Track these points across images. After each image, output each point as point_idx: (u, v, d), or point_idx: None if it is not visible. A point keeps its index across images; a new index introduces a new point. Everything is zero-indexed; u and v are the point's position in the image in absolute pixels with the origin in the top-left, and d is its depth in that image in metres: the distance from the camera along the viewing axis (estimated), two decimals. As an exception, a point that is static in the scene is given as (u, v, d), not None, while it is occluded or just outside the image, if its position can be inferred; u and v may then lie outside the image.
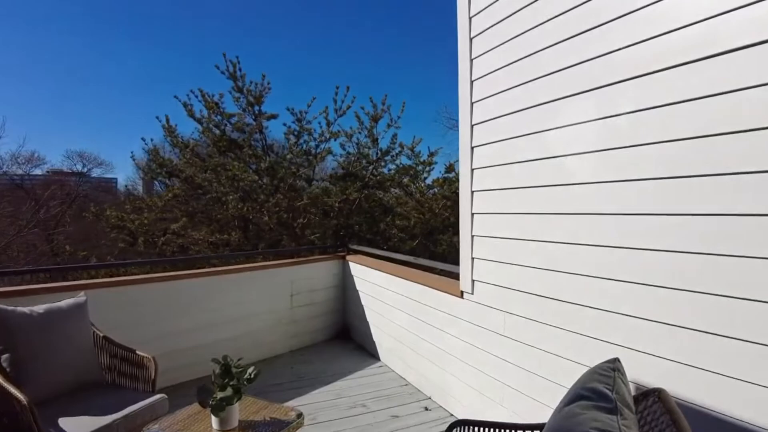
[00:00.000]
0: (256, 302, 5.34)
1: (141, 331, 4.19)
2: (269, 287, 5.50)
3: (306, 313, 5.84)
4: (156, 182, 13.07)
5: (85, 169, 43.03)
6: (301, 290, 5.78)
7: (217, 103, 8.09)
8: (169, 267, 6.62)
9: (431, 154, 11.07)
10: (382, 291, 5.17)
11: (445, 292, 3.88)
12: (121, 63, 53.64)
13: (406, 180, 10.97)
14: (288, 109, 7.62)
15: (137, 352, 3.24)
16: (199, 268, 5.54)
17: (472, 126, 3.46)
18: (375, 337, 5.39)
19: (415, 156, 10.90)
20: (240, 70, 8.29)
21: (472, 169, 3.47)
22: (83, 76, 52.88)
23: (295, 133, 7.61)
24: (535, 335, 2.93)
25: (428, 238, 8.29)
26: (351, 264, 6.01)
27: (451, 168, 10.77)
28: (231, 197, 7.01)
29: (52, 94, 52.75)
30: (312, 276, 5.95)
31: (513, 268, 3.10)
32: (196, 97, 8.26)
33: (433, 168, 11.48)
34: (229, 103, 8.32)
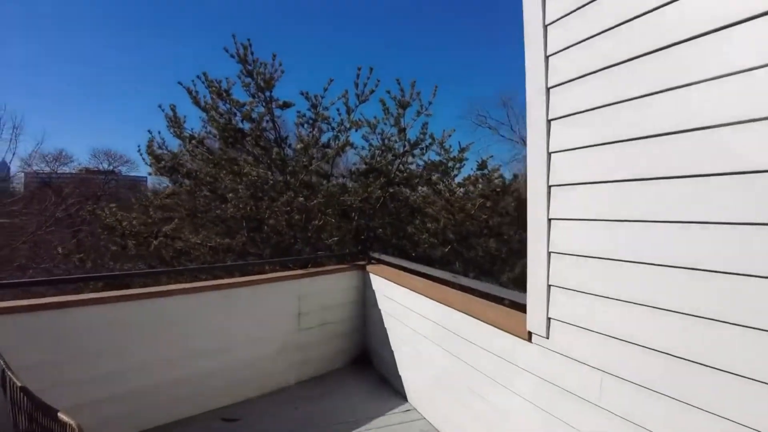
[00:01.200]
0: (256, 324, 4.34)
1: (90, 369, 3.23)
2: (273, 305, 4.49)
3: (318, 335, 4.81)
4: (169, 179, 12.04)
5: (112, 167, 43.53)
6: (311, 308, 4.75)
7: (226, 90, 7.16)
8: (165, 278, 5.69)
9: (462, 150, 9.94)
10: (409, 314, 4.08)
11: (503, 329, 2.74)
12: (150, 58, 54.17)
13: (435, 177, 9.87)
14: (302, 93, 6.62)
15: (60, 415, 2.25)
16: (194, 281, 4.57)
17: (548, 89, 2.33)
18: (401, 371, 4.30)
19: (444, 151, 9.80)
20: (252, 54, 7.35)
21: (549, 153, 2.33)
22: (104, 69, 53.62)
23: (310, 121, 6.59)
24: (661, 418, 1.80)
25: (462, 243, 7.15)
26: (372, 276, 4.95)
27: (484, 165, 9.62)
28: (231, 195, 6.02)
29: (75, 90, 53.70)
30: (325, 290, 4.92)
31: (620, 307, 1.97)
32: (203, 83, 7.36)
33: (464, 164, 10.38)
34: (239, 93, 7.38)
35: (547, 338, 2.36)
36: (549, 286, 2.34)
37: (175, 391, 3.72)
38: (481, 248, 7.93)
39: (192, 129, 7.53)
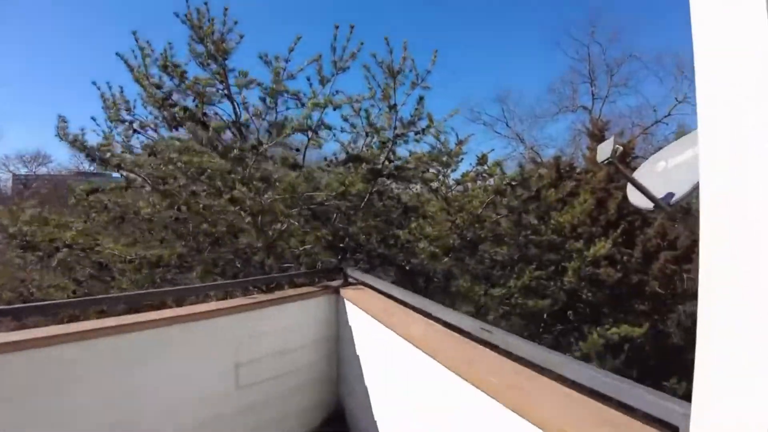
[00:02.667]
0: (172, 384, 2.82)
1: None
2: (199, 353, 2.98)
3: (271, 392, 3.30)
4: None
5: (91, 168, 41.54)
6: (259, 354, 3.24)
7: (164, 58, 5.62)
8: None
9: (460, 142, 8.50)
10: (404, 374, 2.57)
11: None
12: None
13: (431, 172, 8.41)
14: (260, 57, 5.09)
15: None
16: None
17: None
18: (391, 456, 2.79)
19: (441, 144, 8.35)
20: (210, 21, 5.82)
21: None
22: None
23: (269, 93, 5.05)
24: None
25: (467, 251, 5.66)
26: (349, 305, 3.44)
27: (485, 159, 8.15)
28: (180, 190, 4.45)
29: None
30: (281, 326, 3.41)
31: None
32: (143, 50, 5.81)
33: (462, 159, 8.95)
34: (194, 69, 5.83)
35: None
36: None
37: None
38: (489, 257, 6.45)
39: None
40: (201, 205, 4.81)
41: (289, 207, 4.30)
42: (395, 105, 5.16)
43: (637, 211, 13.27)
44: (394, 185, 8.72)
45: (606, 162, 3.72)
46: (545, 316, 10.71)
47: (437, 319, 2.40)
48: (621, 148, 3.82)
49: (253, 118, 5.24)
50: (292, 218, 4.27)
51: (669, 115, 25.15)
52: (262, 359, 3.27)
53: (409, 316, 2.66)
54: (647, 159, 4.89)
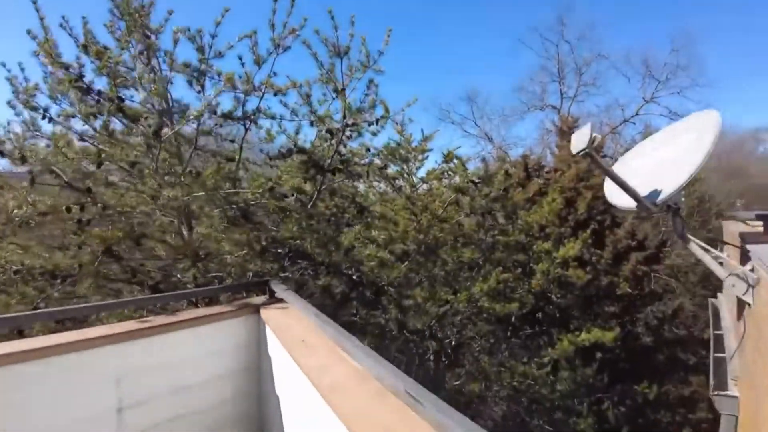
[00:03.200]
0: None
1: None
2: (61, 397, 2.27)
3: (166, 440, 2.61)
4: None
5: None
6: (153, 392, 2.55)
7: (94, 41, 4.82)
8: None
9: (426, 138, 7.93)
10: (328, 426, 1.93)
11: None
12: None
13: (394, 170, 7.81)
14: (179, 32, 4.32)
15: None
16: None
17: None
18: None
19: (405, 138, 7.76)
20: None
21: None
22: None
23: (196, 74, 4.30)
24: None
25: (427, 255, 5.06)
26: (269, 331, 2.78)
27: (451, 156, 7.60)
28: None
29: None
30: (185, 357, 2.73)
31: None
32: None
33: (427, 156, 8.39)
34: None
35: None
36: None
37: None
38: (452, 261, 5.89)
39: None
40: (105, 205, 4.04)
41: (210, 205, 3.60)
42: (343, 90, 4.50)
43: (606, 210, 13.03)
44: (357, 183, 8.09)
45: (582, 153, 3.16)
46: (513, 319, 10.30)
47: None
48: (599, 137, 3.27)
49: (176, 104, 4.49)
50: (211, 218, 3.57)
51: (636, 114, 25.35)
52: (158, 398, 2.58)
53: (330, 355, 2.02)
54: (617, 159, 4.39)
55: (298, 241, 3.65)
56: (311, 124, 4.67)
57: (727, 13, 39.82)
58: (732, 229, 4.59)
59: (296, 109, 4.75)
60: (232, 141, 4.93)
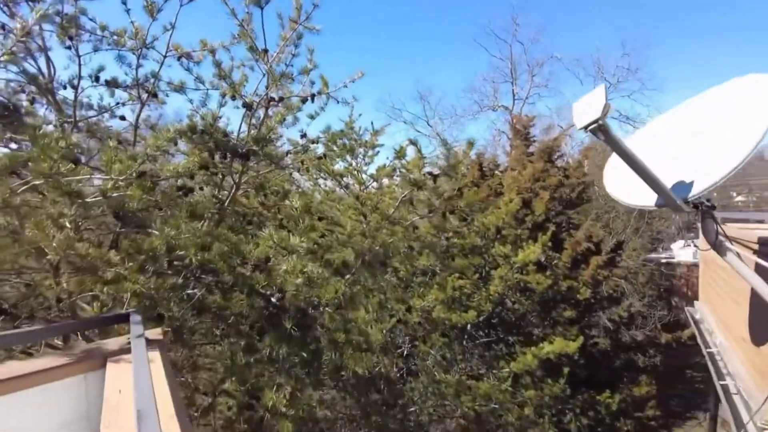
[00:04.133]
0: None
1: None
2: None
3: None
4: None
5: None
6: None
7: None
8: None
9: (375, 133, 7.01)
10: None
11: None
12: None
13: (339, 167, 6.83)
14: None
15: None
16: None
17: None
18: None
19: (348, 125, 6.83)
20: None
21: None
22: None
23: (65, 20, 3.10)
24: None
25: (374, 266, 4.04)
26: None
27: (402, 153, 6.71)
28: None
29: None
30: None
31: None
32: None
33: (378, 153, 7.48)
34: None
35: None
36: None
37: None
38: (405, 271, 4.95)
39: None
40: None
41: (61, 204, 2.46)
42: (265, 50, 3.43)
43: (562, 212, 12.57)
44: (297, 179, 7.03)
45: (591, 127, 2.18)
46: (468, 328, 9.55)
47: None
48: (611, 105, 2.34)
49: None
50: (55, 221, 2.43)
51: (588, 117, 25.47)
52: None
53: None
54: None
55: (201, 252, 2.53)
56: (223, 96, 3.58)
57: (674, 19, 41.69)
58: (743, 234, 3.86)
59: (214, 82, 3.64)
60: (123, 118, 3.75)
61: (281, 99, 3.79)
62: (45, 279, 3.63)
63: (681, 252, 24.69)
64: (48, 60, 4.06)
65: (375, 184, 7.90)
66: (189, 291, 2.97)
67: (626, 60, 24.92)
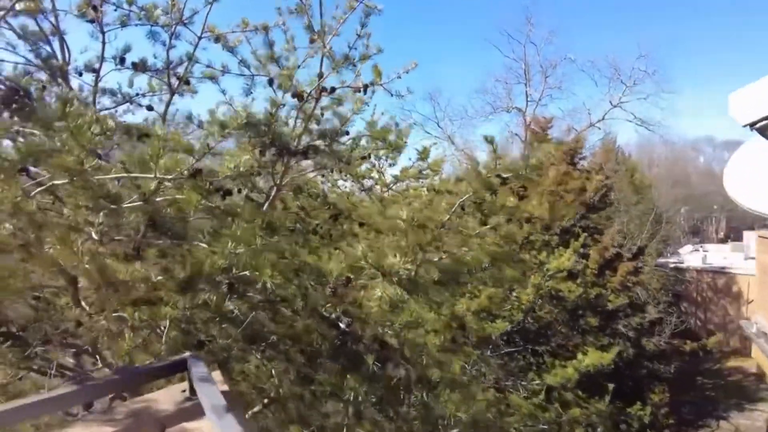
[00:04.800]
0: None
1: None
2: None
3: None
4: None
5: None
6: None
7: None
8: None
9: (400, 133, 6.50)
10: None
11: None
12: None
13: (372, 165, 6.37)
14: None
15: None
16: None
17: None
18: None
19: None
20: None
21: None
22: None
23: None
24: None
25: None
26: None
27: (426, 154, 6.20)
28: None
29: None
30: None
31: None
32: None
33: (400, 154, 6.97)
34: None
35: None
36: None
37: None
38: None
39: None
40: None
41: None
42: (322, 30, 2.90)
43: (586, 216, 12.11)
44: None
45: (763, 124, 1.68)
46: (493, 338, 9.06)
47: None
48: None
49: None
50: (79, 230, 1.91)
51: (603, 119, 25.05)
52: None
53: None
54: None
55: (247, 269, 1.98)
56: (270, 83, 3.06)
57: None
58: None
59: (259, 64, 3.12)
60: (150, 108, 3.22)
61: (333, 89, 3.27)
62: (56, 296, 3.10)
63: (689, 257, 24.32)
64: (62, 43, 3.54)
65: (398, 185, 7.40)
66: (236, 313, 2.45)
67: (643, 62, 24.37)
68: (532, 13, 26.89)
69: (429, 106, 35.17)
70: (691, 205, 32.61)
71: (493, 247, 3.40)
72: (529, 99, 24.96)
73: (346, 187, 7.37)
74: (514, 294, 8.65)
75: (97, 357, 3.14)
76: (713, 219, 36.35)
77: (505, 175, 3.75)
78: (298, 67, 3.07)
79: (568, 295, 8.70)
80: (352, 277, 2.01)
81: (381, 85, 3.75)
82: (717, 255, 24.44)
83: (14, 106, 2.54)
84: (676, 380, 13.20)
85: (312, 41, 2.96)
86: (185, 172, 1.79)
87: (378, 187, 7.52)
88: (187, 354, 1.58)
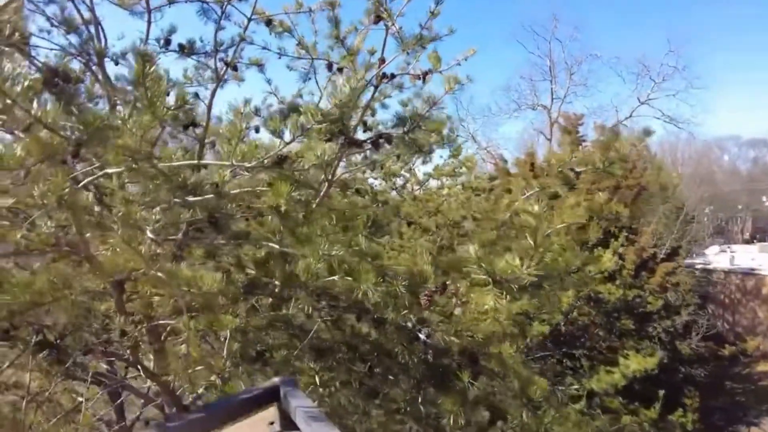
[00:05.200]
0: None
1: None
2: None
3: None
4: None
5: None
6: None
7: None
8: None
9: (433, 129, 6.17)
10: None
11: None
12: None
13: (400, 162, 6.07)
14: None
15: None
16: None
17: None
18: None
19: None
20: None
21: None
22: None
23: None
24: None
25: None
26: None
27: (459, 151, 5.90)
28: None
29: None
30: None
31: None
32: None
33: (434, 150, 6.68)
34: None
35: None
36: None
37: None
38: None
39: None
40: None
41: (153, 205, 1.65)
42: (388, 10, 2.60)
43: (618, 215, 11.70)
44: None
45: None
46: (529, 341, 8.72)
47: None
48: None
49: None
50: (139, 228, 1.61)
51: (630, 116, 24.45)
52: None
53: None
54: None
55: (349, 274, 1.67)
56: (329, 68, 2.78)
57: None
58: None
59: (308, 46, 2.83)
60: (196, 96, 2.97)
61: (393, 76, 2.98)
62: (94, 300, 2.85)
63: (716, 258, 23.61)
64: (98, 28, 3.31)
65: (434, 183, 7.10)
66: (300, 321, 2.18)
67: (672, 57, 23.68)
68: (556, 8, 26.40)
69: (452, 105, 34.81)
70: (715, 205, 31.82)
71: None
72: (554, 96, 24.46)
73: (378, 185, 7.10)
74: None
75: (138, 367, 2.89)
76: (738, 219, 35.43)
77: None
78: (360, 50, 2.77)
79: (608, 296, 8.31)
80: (449, 283, 1.73)
81: (440, 72, 3.45)
82: (744, 256, 23.74)
83: (55, 88, 2.31)
84: (707, 384, 12.76)
85: (378, 20, 2.67)
86: (266, 161, 1.52)
87: (409, 185, 7.22)
88: (277, 379, 1.30)
